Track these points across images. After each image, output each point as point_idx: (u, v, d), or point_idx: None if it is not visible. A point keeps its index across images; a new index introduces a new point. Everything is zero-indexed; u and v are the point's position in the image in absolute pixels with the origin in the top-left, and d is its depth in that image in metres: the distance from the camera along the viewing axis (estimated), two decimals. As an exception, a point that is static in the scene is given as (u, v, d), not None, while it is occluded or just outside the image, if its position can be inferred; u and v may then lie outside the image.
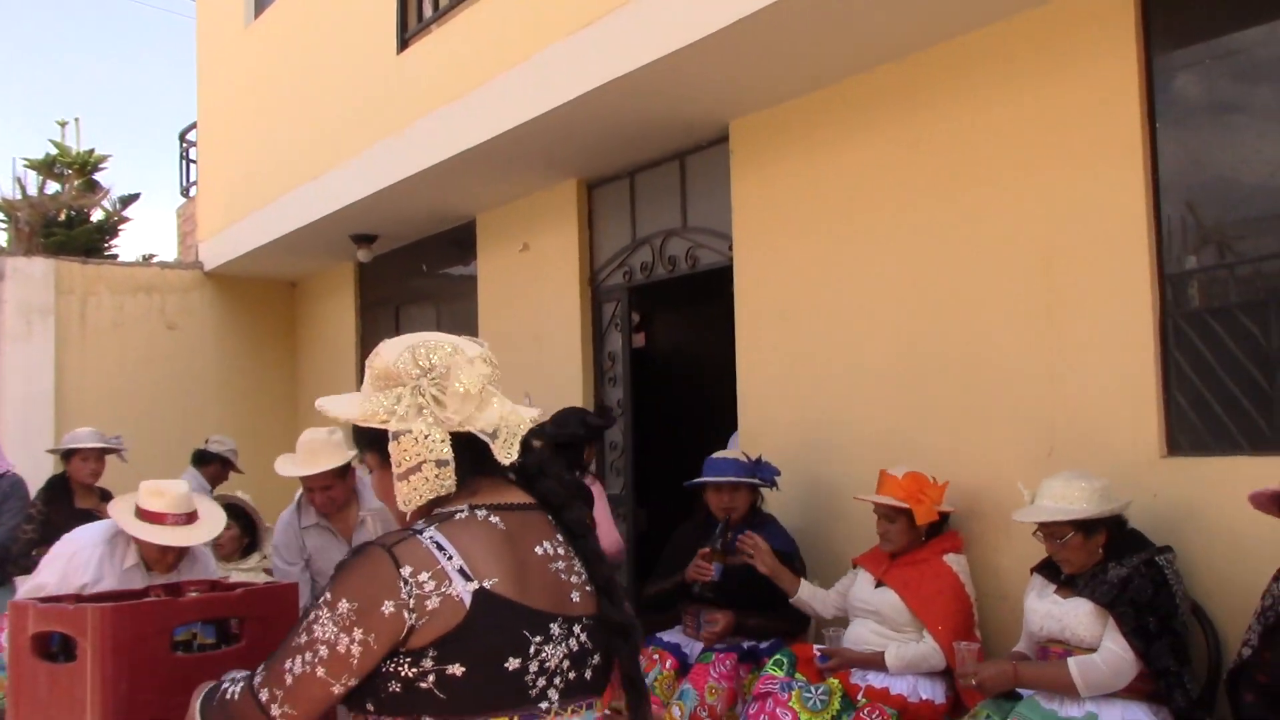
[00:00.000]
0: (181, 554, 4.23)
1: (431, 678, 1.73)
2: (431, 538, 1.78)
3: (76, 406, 8.44)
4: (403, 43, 6.90)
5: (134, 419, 7.96)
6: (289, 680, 1.74)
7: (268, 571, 5.96)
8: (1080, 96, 4.16)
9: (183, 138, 11.41)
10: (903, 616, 4.21)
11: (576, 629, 1.86)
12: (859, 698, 4.09)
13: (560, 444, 4.92)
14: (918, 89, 4.73)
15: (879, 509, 4.32)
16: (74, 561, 4.13)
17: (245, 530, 6.01)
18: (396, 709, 1.76)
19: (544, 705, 1.81)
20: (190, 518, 4.11)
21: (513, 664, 1.77)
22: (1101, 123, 4.09)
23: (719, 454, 4.90)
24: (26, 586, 4.27)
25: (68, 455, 6.18)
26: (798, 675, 4.24)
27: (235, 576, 5.90)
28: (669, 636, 4.87)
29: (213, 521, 4.21)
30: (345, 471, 4.56)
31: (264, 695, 1.76)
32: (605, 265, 6.70)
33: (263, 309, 9.99)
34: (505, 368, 1.98)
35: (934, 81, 4.66)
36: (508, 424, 1.90)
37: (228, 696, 1.82)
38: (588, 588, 1.90)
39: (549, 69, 5.42)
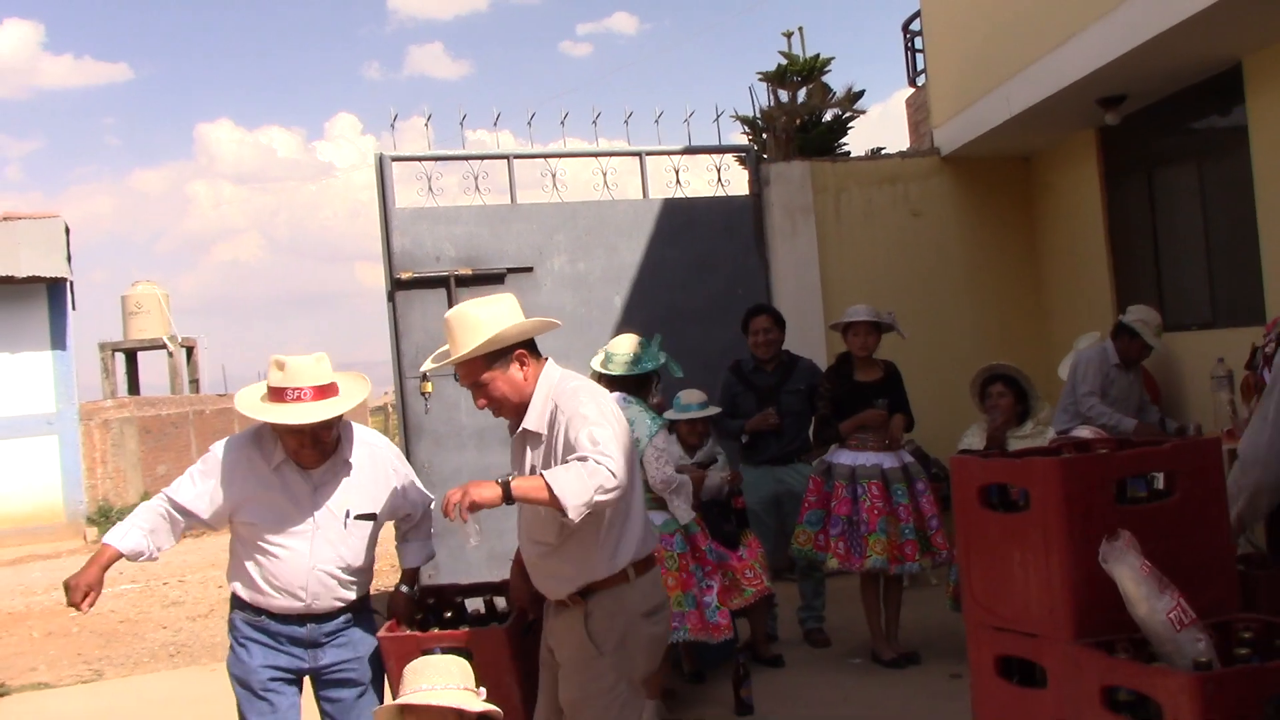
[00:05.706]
0: (326, 439, 3.46)
1: None
2: None
3: (839, 294, 9.04)
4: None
5: (888, 302, 8.33)
6: None
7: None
8: None
9: (905, 29, 11.64)
10: None
11: None
12: None
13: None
14: None
15: None
16: (224, 478, 3.52)
17: (1018, 398, 6.16)
18: None
19: None
20: (322, 391, 3.40)
21: None
22: None
23: None
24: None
25: (845, 330, 6.66)
26: None
27: (1013, 444, 6.03)
28: None
29: (349, 396, 3.47)
30: None
31: None
32: None
33: (997, 188, 9.98)
34: None
35: None
36: None
37: None
38: None
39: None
